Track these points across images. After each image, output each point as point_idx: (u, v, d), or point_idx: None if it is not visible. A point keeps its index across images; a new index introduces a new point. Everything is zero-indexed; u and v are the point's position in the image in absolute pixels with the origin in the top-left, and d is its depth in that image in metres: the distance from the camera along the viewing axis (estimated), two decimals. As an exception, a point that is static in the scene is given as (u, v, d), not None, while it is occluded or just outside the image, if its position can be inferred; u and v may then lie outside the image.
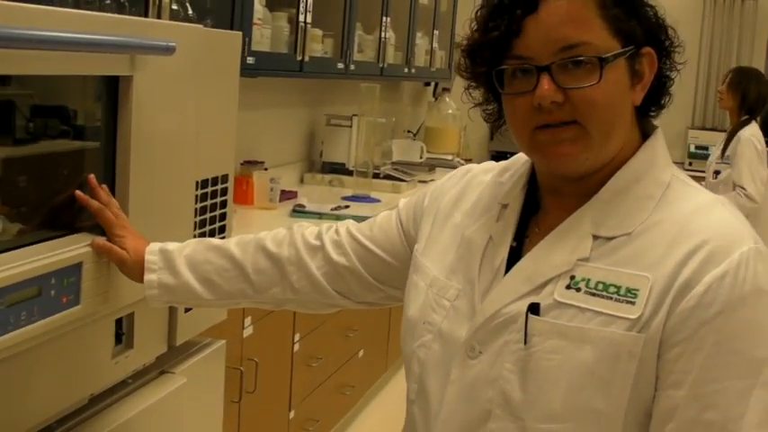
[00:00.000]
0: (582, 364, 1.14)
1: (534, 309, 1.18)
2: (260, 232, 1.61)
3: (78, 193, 1.53)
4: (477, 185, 1.39)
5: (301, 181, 4.71)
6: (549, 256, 1.21)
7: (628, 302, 1.14)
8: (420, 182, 4.89)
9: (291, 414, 3.35)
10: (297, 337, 3.33)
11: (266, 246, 1.56)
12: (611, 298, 1.15)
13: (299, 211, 3.67)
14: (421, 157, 5.40)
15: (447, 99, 6.13)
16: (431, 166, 5.37)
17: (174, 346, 1.91)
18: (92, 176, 1.54)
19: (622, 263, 1.16)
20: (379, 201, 4.27)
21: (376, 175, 4.70)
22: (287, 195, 3.97)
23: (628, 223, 1.19)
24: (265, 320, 2.99)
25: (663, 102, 1.27)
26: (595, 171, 1.22)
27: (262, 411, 3.06)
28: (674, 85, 1.26)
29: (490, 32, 1.19)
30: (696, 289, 1.10)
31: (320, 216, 3.63)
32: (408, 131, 6.11)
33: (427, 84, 6.64)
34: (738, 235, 1.14)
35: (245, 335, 2.86)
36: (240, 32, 2.10)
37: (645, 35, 1.20)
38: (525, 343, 1.18)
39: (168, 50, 1.58)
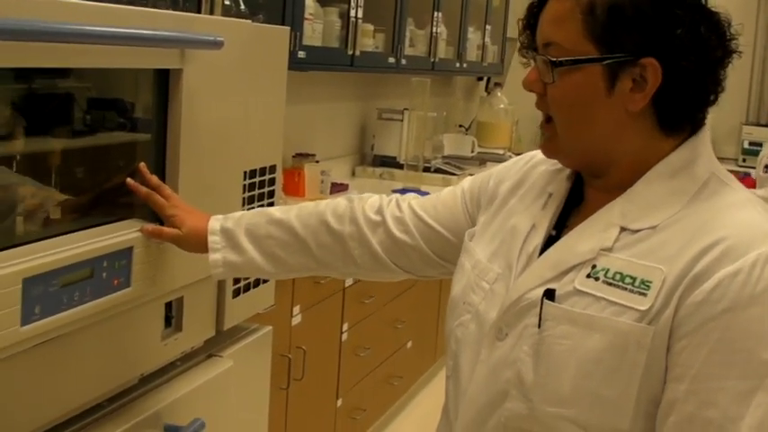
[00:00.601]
0: (590, 351, 1.15)
1: (550, 294, 1.21)
2: (320, 202, 1.64)
3: (128, 180, 1.58)
4: (535, 173, 1.41)
5: (353, 174, 4.76)
6: (575, 244, 1.23)
7: (640, 294, 1.14)
8: (470, 175, 4.88)
9: (339, 402, 3.40)
10: (345, 326, 3.37)
11: (328, 221, 1.58)
12: (626, 289, 1.15)
13: (348, 204, 3.72)
14: (472, 152, 5.41)
15: (499, 94, 6.12)
16: (482, 161, 5.37)
17: (222, 331, 1.96)
18: (142, 164, 1.60)
19: (642, 255, 1.17)
20: (428, 194, 4.27)
21: (427, 169, 4.74)
22: (338, 188, 4.01)
23: (655, 217, 1.19)
24: (314, 309, 3.05)
25: (685, 110, 1.22)
26: (607, 167, 1.24)
27: (309, 399, 3.11)
28: (727, 81, 1.21)
29: (521, 24, 1.30)
30: (706, 284, 1.10)
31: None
32: (460, 126, 6.12)
33: (479, 78, 6.63)
34: (762, 235, 1.12)
35: (293, 323, 2.91)
36: (288, 27, 2.15)
37: (649, 46, 1.16)
38: (539, 327, 1.21)
39: (216, 45, 1.63)
